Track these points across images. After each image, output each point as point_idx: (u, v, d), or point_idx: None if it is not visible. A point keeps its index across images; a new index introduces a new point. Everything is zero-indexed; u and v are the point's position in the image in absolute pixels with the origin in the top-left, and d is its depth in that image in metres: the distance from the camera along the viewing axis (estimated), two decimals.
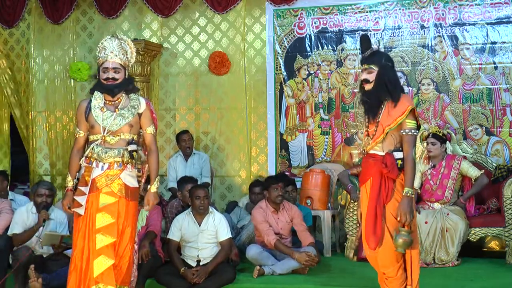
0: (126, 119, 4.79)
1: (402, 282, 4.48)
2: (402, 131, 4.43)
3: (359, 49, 4.66)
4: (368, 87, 4.52)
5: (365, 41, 4.60)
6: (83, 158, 4.77)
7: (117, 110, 4.77)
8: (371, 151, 4.53)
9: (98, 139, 4.74)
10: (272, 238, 6.17)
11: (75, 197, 4.73)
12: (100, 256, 4.64)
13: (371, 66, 4.49)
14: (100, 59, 4.78)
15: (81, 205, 4.68)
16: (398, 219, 4.37)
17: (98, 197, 4.71)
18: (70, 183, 4.80)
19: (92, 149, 4.73)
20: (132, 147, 4.78)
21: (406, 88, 7.58)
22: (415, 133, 4.44)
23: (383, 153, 4.48)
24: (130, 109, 4.82)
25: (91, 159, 4.74)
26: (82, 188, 4.73)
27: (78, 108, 4.90)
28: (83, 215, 4.69)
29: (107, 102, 4.81)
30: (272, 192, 6.39)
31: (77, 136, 4.87)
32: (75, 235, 4.73)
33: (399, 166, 4.41)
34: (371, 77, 4.49)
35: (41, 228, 5.94)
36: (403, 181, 4.43)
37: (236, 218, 7.32)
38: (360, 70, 4.70)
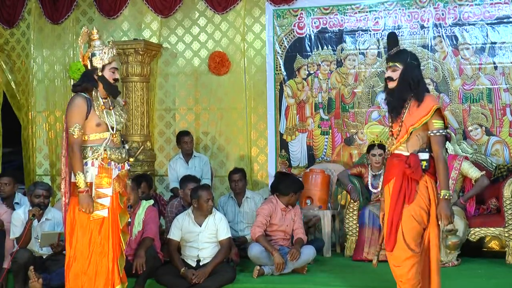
0: (124, 118, 4.80)
1: (415, 284, 4.35)
2: (429, 132, 4.35)
3: (385, 47, 4.60)
4: (391, 85, 4.45)
5: (392, 39, 4.55)
6: (97, 159, 4.61)
7: (111, 108, 4.73)
8: (396, 151, 4.44)
9: (107, 139, 4.66)
10: (257, 231, 6.17)
11: (98, 200, 4.59)
12: (122, 255, 4.74)
13: (396, 64, 4.42)
14: (109, 58, 4.66)
15: (105, 207, 4.62)
16: (440, 223, 4.31)
17: (117, 197, 4.70)
18: (84, 184, 4.53)
19: (105, 149, 4.64)
20: (127, 145, 4.87)
21: None
22: (443, 133, 4.34)
23: (408, 153, 4.39)
24: (120, 108, 4.82)
25: (109, 159, 4.64)
26: (104, 190, 4.62)
27: (76, 105, 4.60)
28: (106, 217, 4.63)
29: (104, 100, 4.73)
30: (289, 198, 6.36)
31: (78, 133, 4.55)
32: (88, 237, 4.59)
33: (423, 167, 4.31)
34: (395, 75, 4.42)
35: (35, 224, 5.93)
36: (427, 183, 4.35)
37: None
38: (384, 69, 4.60)
